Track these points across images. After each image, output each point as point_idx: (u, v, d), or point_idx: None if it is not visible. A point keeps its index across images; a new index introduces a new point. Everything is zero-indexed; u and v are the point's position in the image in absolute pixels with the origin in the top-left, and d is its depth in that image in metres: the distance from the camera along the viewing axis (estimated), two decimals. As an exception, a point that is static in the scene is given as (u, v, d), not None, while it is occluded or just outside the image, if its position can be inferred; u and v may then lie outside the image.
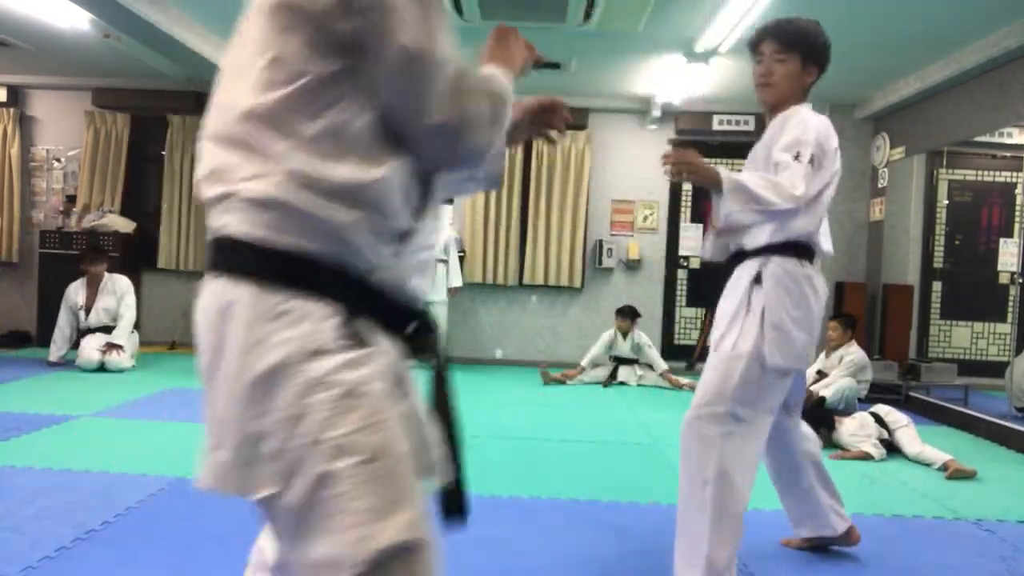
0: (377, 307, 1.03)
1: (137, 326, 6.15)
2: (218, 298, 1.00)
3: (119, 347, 5.92)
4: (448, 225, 6.57)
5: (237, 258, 0.99)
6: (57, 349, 6.03)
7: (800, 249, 2.24)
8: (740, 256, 2.31)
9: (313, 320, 0.96)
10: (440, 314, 6.48)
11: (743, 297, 2.21)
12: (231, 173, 0.99)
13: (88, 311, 6.03)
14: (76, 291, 6.09)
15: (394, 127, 1.00)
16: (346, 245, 0.99)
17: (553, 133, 1.48)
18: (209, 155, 1.03)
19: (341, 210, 0.97)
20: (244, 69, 1.01)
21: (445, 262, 6.52)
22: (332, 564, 0.92)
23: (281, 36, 0.98)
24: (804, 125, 2.19)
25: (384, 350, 1.02)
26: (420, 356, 1.11)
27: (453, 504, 1.11)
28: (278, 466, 0.94)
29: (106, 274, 6.12)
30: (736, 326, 2.19)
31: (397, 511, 0.94)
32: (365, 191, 0.98)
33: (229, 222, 0.99)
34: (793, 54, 2.25)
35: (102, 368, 5.83)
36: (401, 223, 1.04)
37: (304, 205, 0.96)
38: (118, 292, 6.10)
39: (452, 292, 6.61)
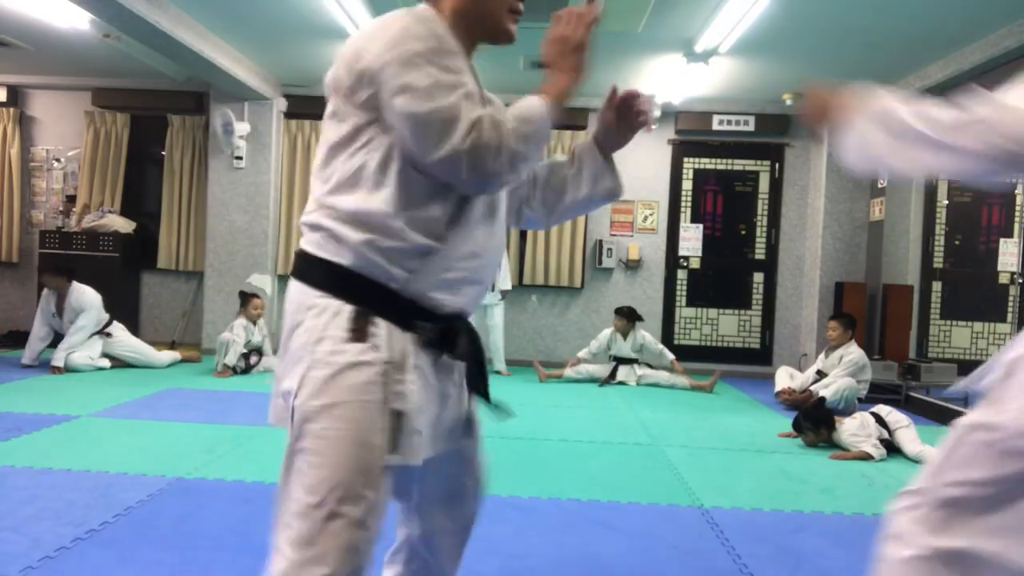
0: (394, 310, 1.22)
1: (137, 326, 6.12)
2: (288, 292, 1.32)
3: (58, 368, 5.63)
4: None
5: (296, 264, 1.30)
6: (31, 355, 5.88)
7: None
8: None
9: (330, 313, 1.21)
10: (495, 314, 6.61)
11: None
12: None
13: (64, 321, 5.85)
14: (48, 299, 5.86)
15: (412, 162, 1.20)
16: (364, 259, 1.21)
17: (644, 118, 1.60)
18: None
19: (353, 232, 1.21)
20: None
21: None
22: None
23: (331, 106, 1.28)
24: None
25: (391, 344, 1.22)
26: (452, 354, 1.33)
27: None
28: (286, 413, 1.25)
29: (73, 285, 5.83)
30: None
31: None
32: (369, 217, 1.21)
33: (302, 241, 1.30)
34: None
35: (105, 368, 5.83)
36: (412, 244, 1.22)
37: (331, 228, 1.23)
38: (78, 309, 5.80)
39: (502, 295, 6.67)
